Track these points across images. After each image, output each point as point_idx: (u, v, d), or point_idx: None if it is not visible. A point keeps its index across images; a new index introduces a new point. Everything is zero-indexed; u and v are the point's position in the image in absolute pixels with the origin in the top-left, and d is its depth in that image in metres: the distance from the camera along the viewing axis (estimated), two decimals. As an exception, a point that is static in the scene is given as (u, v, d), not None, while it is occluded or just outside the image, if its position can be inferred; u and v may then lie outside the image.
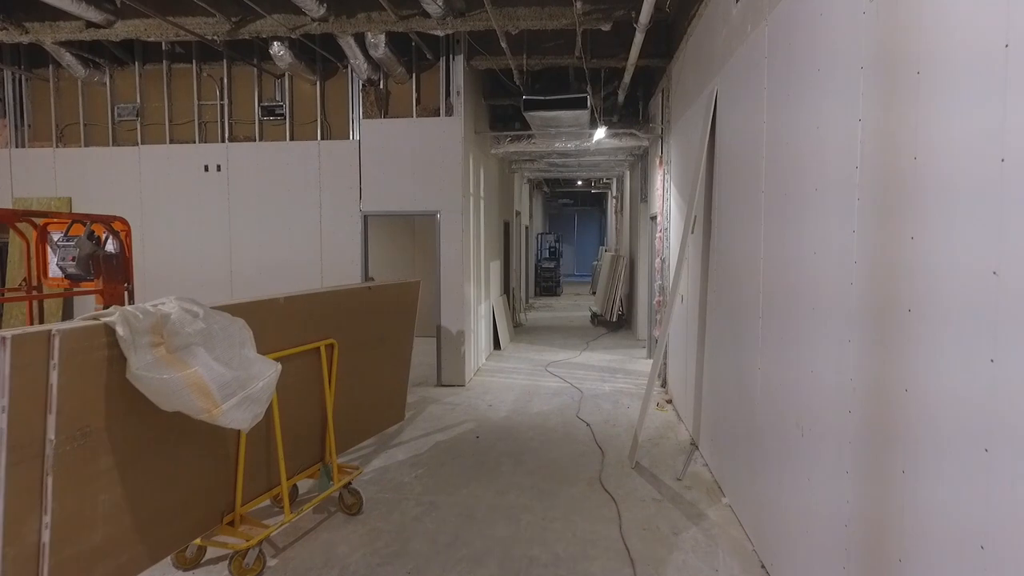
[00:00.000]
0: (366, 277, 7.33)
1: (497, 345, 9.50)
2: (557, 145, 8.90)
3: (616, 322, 11.26)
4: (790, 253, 2.92)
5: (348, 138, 7.28)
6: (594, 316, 12.28)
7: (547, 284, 18.28)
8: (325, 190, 7.30)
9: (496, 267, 9.90)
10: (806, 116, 2.71)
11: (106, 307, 4.38)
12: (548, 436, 5.43)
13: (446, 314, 7.17)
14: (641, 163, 10.03)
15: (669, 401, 6.52)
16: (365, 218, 7.28)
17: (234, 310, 2.85)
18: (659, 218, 7.48)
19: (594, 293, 18.54)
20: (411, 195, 7.16)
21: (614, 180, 17.18)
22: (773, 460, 3.15)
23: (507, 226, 11.27)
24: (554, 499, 4.10)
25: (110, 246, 4.24)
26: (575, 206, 26.89)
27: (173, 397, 2.39)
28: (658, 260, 7.52)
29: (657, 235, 7.57)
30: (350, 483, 3.93)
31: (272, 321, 3.33)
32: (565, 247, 23.86)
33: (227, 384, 2.51)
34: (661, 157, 7.41)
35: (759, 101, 3.47)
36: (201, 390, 2.43)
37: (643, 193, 9.88)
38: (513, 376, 7.74)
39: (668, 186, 6.94)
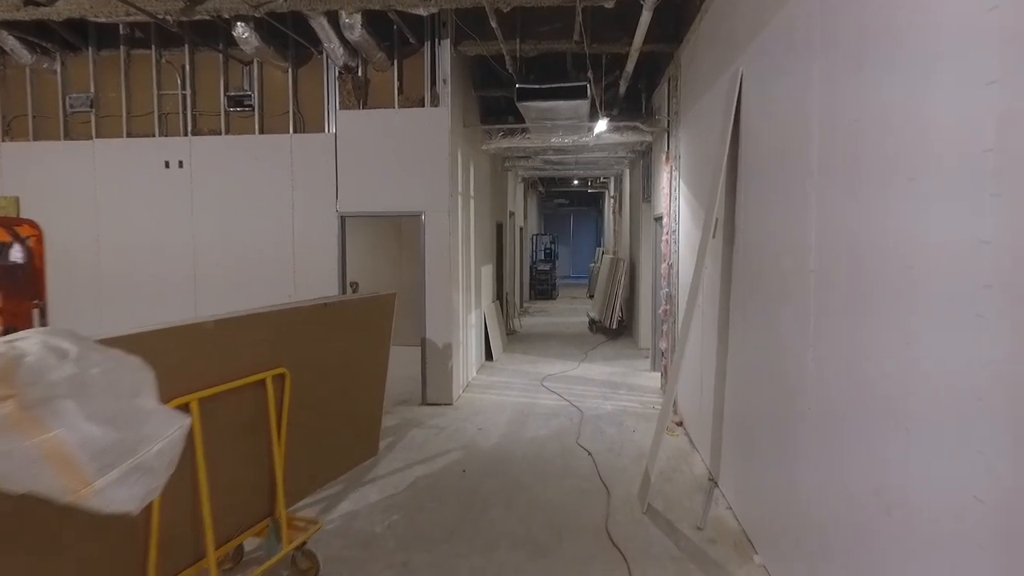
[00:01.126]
0: (344, 285, 6.64)
1: (489, 355, 8.82)
2: (553, 140, 8.24)
3: (616, 329, 10.60)
4: (863, 265, 2.26)
5: (323, 131, 6.59)
6: (592, 322, 11.62)
7: (542, 287, 17.62)
8: (298, 188, 6.61)
9: (488, 271, 9.23)
10: (890, 89, 2.05)
11: (5, 330, 3.69)
12: (545, 469, 4.76)
13: (432, 325, 6.49)
14: (643, 160, 9.37)
15: (680, 423, 5.86)
16: (342, 219, 6.59)
17: (132, 343, 2.16)
18: (665, 219, 6.82)
19: (591, 297, 17.90)
20: (393, 194, 6.48)
21: (612, 179, 16.54)
22: (833, 532, 2.49)
23: (500, 227, 10.60)
24: (553, 558, 3.43)
25: (16, 254, 3.56)
26: (571, 206, 26.24)
27: (21, 474, 1.71)
28: (664, 265, 6.86)
29: (663, 238, 6.91)
30: (305, 543, 3.25)
31: (200, 351, 2.65)
32: (560, 248, 23.20)
33: (105, 451, 1.82)
34: (668, 153, 6.75)
35: (805, 78, 2.81)
36: (64, 462, 1.75)
37: (646, 192, 9.22)
38: (506, 393, 7.07)
39: (677, 184, 6.28)
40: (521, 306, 14.94)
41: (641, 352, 9.36)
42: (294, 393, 3.22)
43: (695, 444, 5.21)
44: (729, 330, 4.13)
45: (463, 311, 7.17)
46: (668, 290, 6.59)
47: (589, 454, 5.07)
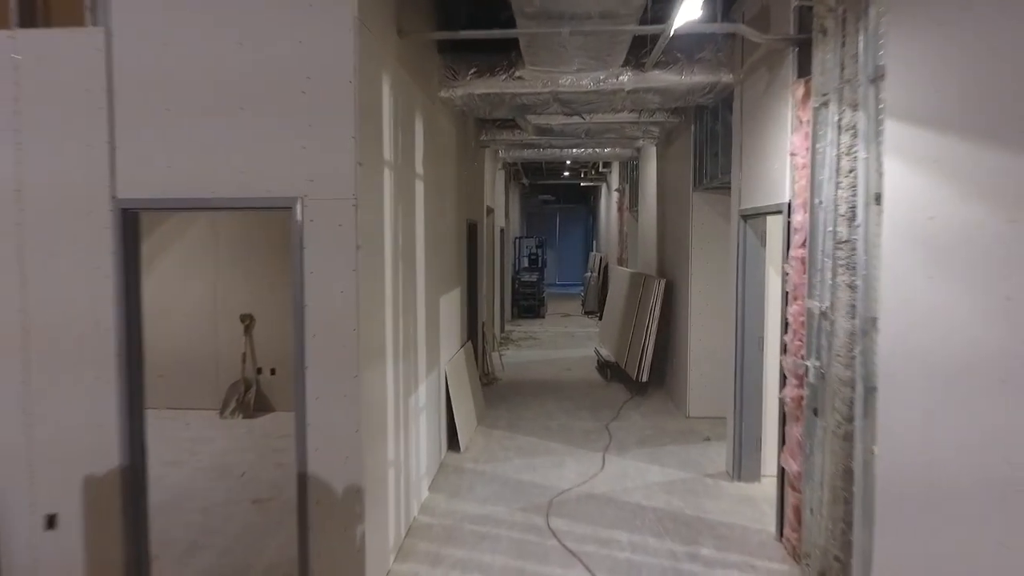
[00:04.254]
0: (131, 348, 3.11)
1: (455, 441, 5.34)
2: (563, 83, 4.80)
3: (646, 382, 7.14)
4: None
5: (83, 24, 3.04)
6: (604, 365, 8.19)
7: (528, 303, 14.15)
8: (31, 148, 3.05)
9: (454, 301, 5.75)
10: None
11: None
12: None
13: (319, 450, 2.98)
14: (699, 124, 5.98)
15: None
16: (127, 216, 3.05)
17: None
18: (798, 218, 3.44)
19: (588, 314, 14.51)
20: (232, 160, 2.96)
21: (614, 167, 13.18)
22: None
23: (474, 229, 7.14)
24: None
25: None
26: (557, 204, 22.80)
27: None
28: (795, 307, 3.46)
29: (793, 254, 3.51)
30: None
31: None
32: (547, 253, 19.70)
33: None
34: (807, 84, 3.35)
35: None
36: None
37: (702, 173, 5.83)
38: (480, 556, 3.60)
39: (858, 139, 2.85)
40: (503, 330, 11.49)
41: (692, 427, 5.95)
42: None
43: None
44: None
45: (397, 399, 3.67)
46: (814, 364, 3.17)
47: None
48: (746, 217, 4.50)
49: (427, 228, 4.45)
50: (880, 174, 2.65)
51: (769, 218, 4.40)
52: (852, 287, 2.90)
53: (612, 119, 6.43)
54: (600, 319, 13.24)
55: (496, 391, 7.42)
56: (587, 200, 22.30)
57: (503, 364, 8.85)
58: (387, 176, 3.42)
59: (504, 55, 4.81)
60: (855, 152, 2.89)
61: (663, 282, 6.98)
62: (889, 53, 2.59)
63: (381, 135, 3.32)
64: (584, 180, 16.45)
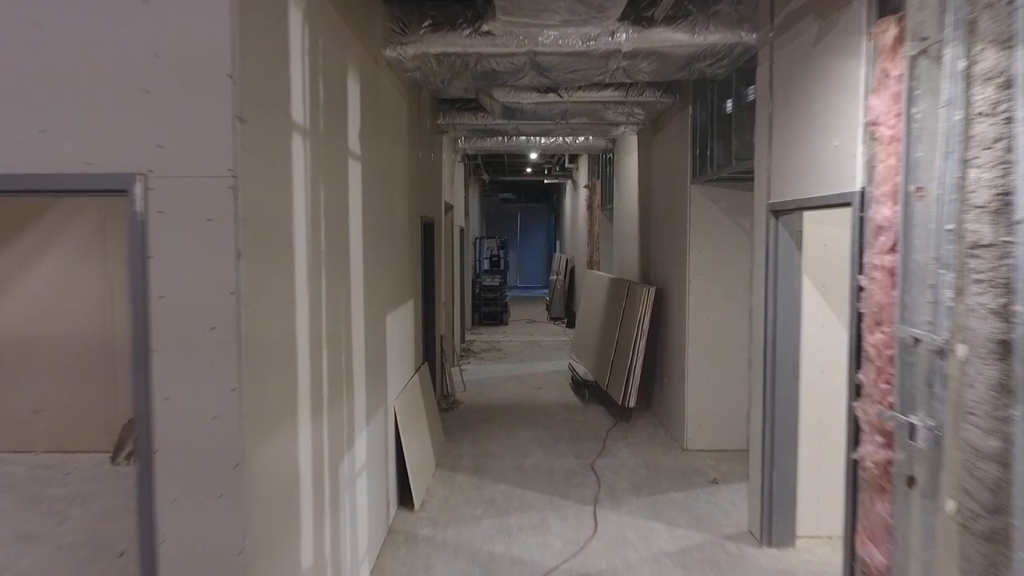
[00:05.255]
0: None
1: (407, 495, 4.22)
2: (543, 41, 3.75)
3: (632, 407, 6.14)
4: None
5: None
6: (581, 384, 7.18)
7: (490, 309, 13.06)
8: None
9: (405, 319, 4.63)
10: None
11: None
12: None
13: (178, 581, 1.85)
14: (703, 102, 5.02)
15: None
16: None
17: None
18: (883, 212, 2.48)
19: (555, 320, 13.53)
20: (24, 113, 1.80)
21: (583, 162, 12.25)
22: None
23: (429, 229, 6.03)
24: None
25: None
26: (517, 203, 21.79)
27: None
28: (879, 336, 2.49)
29: (877, 262, 2.54)
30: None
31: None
32: (509, 255, 18.65)
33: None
34: (902, 23, 2.38)
35: None
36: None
37: (709, 162, 4.87)
38: None
39: (1016, 90, 1.88)
40: (463, 340, 10.38)
41: (692, 463, 4.98)
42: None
43: None
44: None
45: (320, 473, 2.55)
46: (925, 422, 2.19)
47: None
48: (778, 213, 3.53)
49: (367, 226, 3.33)
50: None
51: (807, 214, 3.46)
52: (1002, 315, 1.93)
53: (594, 97, 5.42)
54: (568, 325, 12.29)
55: (457, 418, 6.33)
56: (550, 198, 21.39)
57: (464, 382, 7.76)
58: (298, 147, 2.31)
59: (468, 4, 3.74)
60: (1004, 111, 1.92)
61: (652, 290, 6.00)
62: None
63: (287, 84, 2.20)
64: (548, 177, 15.50)
